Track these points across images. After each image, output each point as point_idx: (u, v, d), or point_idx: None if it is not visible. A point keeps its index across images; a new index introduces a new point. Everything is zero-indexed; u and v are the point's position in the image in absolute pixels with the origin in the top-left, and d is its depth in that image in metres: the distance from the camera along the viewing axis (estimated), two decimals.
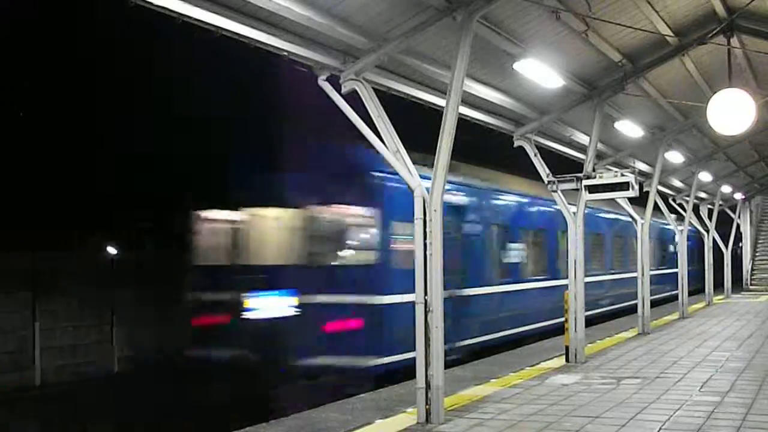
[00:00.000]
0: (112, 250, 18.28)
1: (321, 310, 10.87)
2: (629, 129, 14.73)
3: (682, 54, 11.92)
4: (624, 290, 20.80)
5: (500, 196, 15.96)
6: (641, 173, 16.97)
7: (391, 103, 9.12)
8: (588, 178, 11.78)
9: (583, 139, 14.21)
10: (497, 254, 15.32)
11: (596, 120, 12.37)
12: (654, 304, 19.22)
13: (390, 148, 8.36)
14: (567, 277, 12.34)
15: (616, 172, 11.98)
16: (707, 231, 26.30)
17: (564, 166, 13.52)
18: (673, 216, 23.13)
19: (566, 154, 15.38)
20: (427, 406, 8.08)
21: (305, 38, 8.00)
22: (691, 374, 11.08)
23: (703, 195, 26.47)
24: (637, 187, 11.44)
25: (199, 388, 10.71)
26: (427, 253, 8.07)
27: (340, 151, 11.36)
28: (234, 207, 12.09)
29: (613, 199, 14.01)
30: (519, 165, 13.85)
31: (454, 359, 11.94)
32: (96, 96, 23.52)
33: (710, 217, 26.64)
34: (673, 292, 22.92)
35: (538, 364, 12.31)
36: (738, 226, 31.68)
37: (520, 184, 16.44)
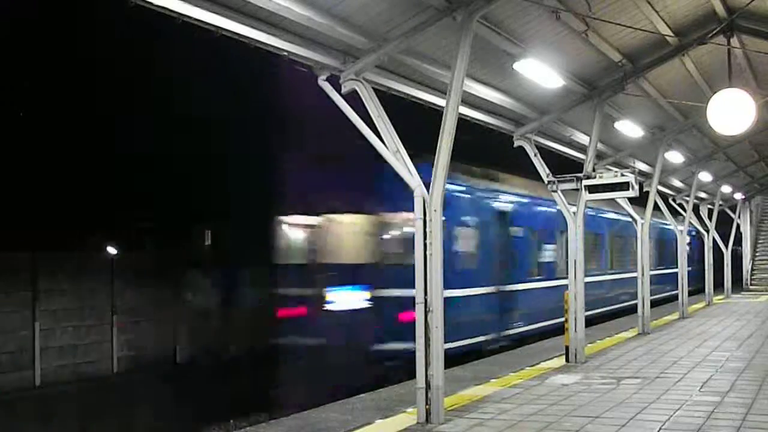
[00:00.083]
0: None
1: (393, 302, 12.38)
2: (629, 129, 14.72)
3: (682, 54, 11.92)
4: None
5: (535, 203, 17.60)
6: (641, 173, 16.96)
7: (391, 103, 9.12)
8: (588, 178, 11.78)
9: (583, 139, 14.21)
10: (535, 254, 17.25)
11: (596, 120, 12.37)
12: (656, 303, 20.49)
13: (390, 148, 8.36)
14: (596, 275, 13.19)
15: (616, 172, 11.98)
16: (707, 231, 26.31)
17: (564, 166, 13.53)
18: (681, 217, 23.10)
19: (566, 154, 15.38)
20: (427, 406, 8.08)
21: (305, 38, 8.00)
22: (691, 374, 11.08)
23: (703, 195, 26.46)
24: (637, 187, 11.44)
25: (286, 370, 12.84)
26: (427, 253, 8.07)
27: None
28: (316, 214, 13.77)
29: (620, 202, 14.66)
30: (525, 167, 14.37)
31: (501, 346, 14.38)
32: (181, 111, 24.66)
33: (710, 217, 26.64)
34: (674, 292, 22.95)
35: (538, 364, 12.31)
36: (738, 226, 31.68)
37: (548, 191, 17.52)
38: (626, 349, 14.08)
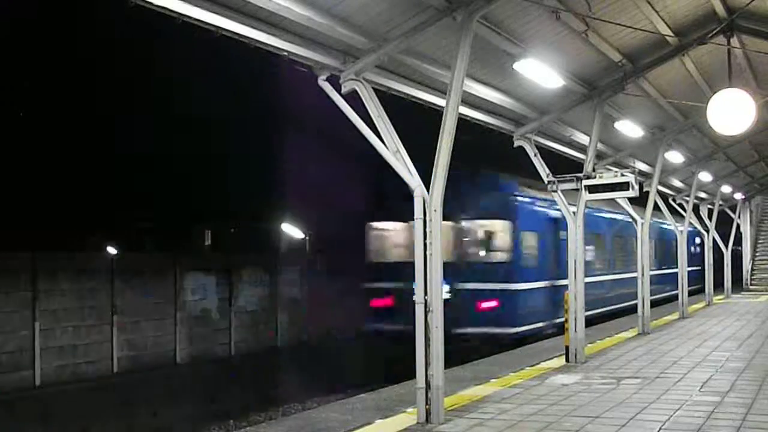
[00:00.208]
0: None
1: (472, 293, 15.04)
2: (629, 129, 14.72)
3: (682, 54, 11.92)
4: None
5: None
6: (641, 173, 16.97)
7: (391, 103, 9.12)
8: (588, 178, 11.77)
9: (583, 139, 14.21)
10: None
11: (596, 120, 12.36)
12: (660, 302, 22.01)
13: (390, 148, 8.36)
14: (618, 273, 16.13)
15: (616, 172, 11.98)
16: (707, 231, 26.30)
17: (564, 166, 13.52)
18: (681, 218, 23.22)
19: (566, 154, 15.38)
20: (427, 406, 8.08)
21: (305, 38, 8.00)
22: (691, 374, 11.08)
23: (703, 195, 26.45)
24: (637, 187, 11.44)
25: (378, 350, 15.47)
26: (427, 253, 8.07)
27: (483, 178, 15.76)
28: (404, 220, 15.54)
29: (620, 202, 15.38)
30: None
31: (553, 333, 16.38)
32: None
33: (710, 217, 26.63)
34: (674, 292, 23.01)
35: (538, 364, 12.31)
36: (738, 226, 31.66)
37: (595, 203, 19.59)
38: (626, 349, 14.07)
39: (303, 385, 18.37)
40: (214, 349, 18.26)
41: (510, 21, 9.18)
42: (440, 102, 9.69)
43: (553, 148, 14.83)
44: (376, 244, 17.21)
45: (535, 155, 12.62)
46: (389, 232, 17.19)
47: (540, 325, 16.55)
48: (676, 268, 21.97)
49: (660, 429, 7.77)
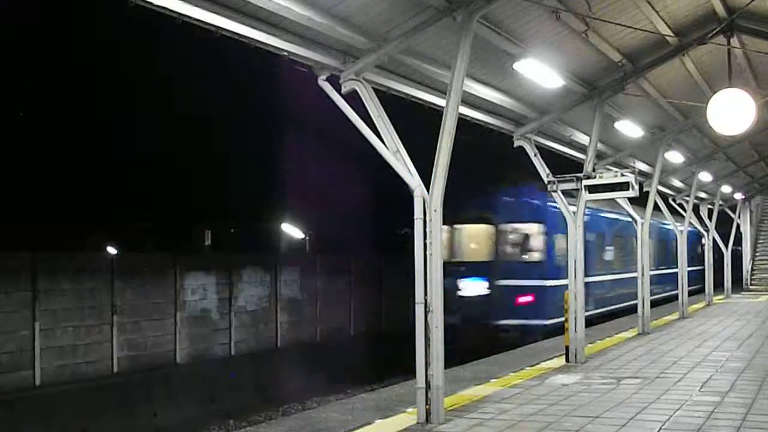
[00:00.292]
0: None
1: (511, 289, 17.12)
2: (629, 129, 14.72)
3: (682, 54, 11.92)
4: (659, 284, 25.01)
5: (599, 214, 21.20)
6: (641, 173, 16.97)
7: (391, 103, 9.12)
8: (588, 178, 11.77)
9: (583, 139, 14.21)
10: (600, 254, 21.52)
11: (596, 120, 12.36)
12: (662, 301, 23.29)
13: (390, 148, 8.36)
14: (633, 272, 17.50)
15: (616, 172, 11.98)
16: (707, 231, 26.29)
17: (563, 166, 13.52)
18: (681, 218, 23.44)
19: (566, 154, 15.38)
20: (427, 406, 8.08)
21: (305, 38, 8.00)
22: (691, 374, 11.08)
23: (703, 195, 26.44)
24: (637, 187, 11.44)
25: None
26: (427, 253, 8.07)
27: (520, 188, 17.51)
28: (449, 223, 17.58)
29: (620, 202, 15.84)
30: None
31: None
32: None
33: (710, 217, 26.62)
34: (674, 292, 23.08)
35: (538, 364, 12.31)
36: (738, 226, 31.66)
37: (609, 205, 20.81)
38: (626, 349, 14.08)
39: (303, 386, 18.64)
40: (214, 349, 18.36)
41: (510, 21, 9.17)
42: (440, 102, 9.69)
43: (553, 148, 14.83)
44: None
45: (535, 155, 12.62)
46: (445, 235, 18.64)
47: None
48: (677, 268, 21.99)
49: (660, 429, 7.77)
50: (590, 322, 18.08)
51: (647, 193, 16.65)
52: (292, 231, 31.32)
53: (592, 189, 11.71)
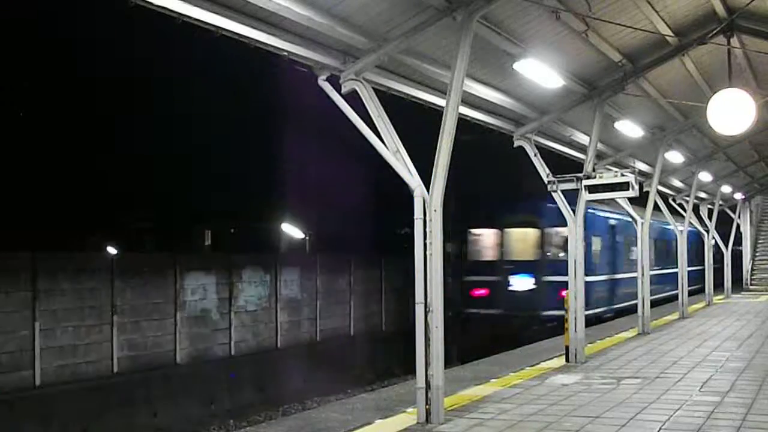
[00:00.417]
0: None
1: (554, 285, 18.52)
2: (629, 129, 14.72)
3: (682, 54, 11.91)
4: (667, 283, 26.65)
5: (625, 218, 22.40)
6: (641, 173, 16.97)
7: (391, 103, 9.12)
8: (588, 178, 11.77)
9: (583, 139, 14.21)
10: (626, 253, 23.59)
11: (596, 120, 12.36)
12: (664, 301, 24.62)
13: (390, 148, 8.36)
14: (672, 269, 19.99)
15: (616, 172, 11.98)
16: (707, 231, 26.29)
17: (563, 167, 13.52)
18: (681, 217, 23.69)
19: (566, 154, 15.38)
20: (427, 406, 8.08)
21: (305, 38, 8.00)
22: (691, 374, 11.08)
23: (703, 195, 26.45)
24: (637, 187, 11.44)
25: (476, 331, 20.23)
26: (427, 253, 8.07)
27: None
28: (500, 227, 21.26)
29: (621, 202, 16.21)
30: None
31: (610, 317, 20.95)
32: None
33: (710, 217, 26.62)
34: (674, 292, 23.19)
35: (538, 364, 12.31)
36: (738, 226, 31.66)
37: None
38: (626, 349, 14.08)
39: (303, 386, 18.67)
40: (213, 349, 18.37)
41: (510, 21, 9.17)
42: (440, 102, 9.68)
43: (553, 148, 14.83)
44: (473, 246, 21.95)
45: (535, 155, 12.62)
46: (483, 237, 21.86)
47: (603, 309, 21.14)
48: (677, 267, 22.03)
49: (660, 429, 7.77)
50: (621, 312, 21.69)
51: (647, 193, 16.65)
52: (292, 231, 31.31)
53: (592, 189, 11.71)
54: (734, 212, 30.66)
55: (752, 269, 33.24)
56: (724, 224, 29.98)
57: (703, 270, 26.15)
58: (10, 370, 14.15)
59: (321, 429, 8.15)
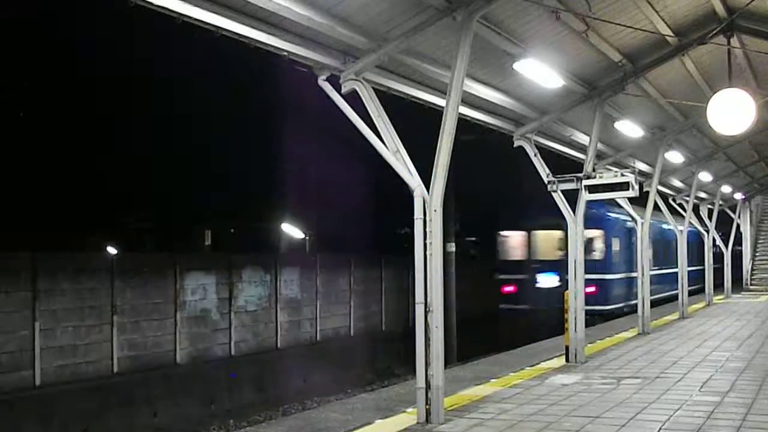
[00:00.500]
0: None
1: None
2: (629, 129, 14.72)
3: (682, 54, 11.91)
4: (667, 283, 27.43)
5: (662, 225, 24.83)
6: (641, 173, 16.97)
7: (391, 103, 9.12)
8: (588, 178, 11.77)
9: (583, 139, 14.21)
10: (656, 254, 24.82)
11: (596, 120, 12.36)
12: (664, 301, 24.77)
13: (390, 148, 8.36)
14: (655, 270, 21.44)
15: (616, 172, 11.98)
16: (707, 231, 26.29)
17: (563, 167, 13.53)
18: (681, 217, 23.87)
19: (566, 154, 15.38)
20: (427, 406, 8.08)
21: (305, 38, 8.00)
22: (691, 374, 11.08)
23: (703, 195, 26.45)
24: (637, 187, 11.44)
25: (506, 324, 22.15)
26: (427, 253, 8.07)
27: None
28: (528, 229, 23.20)
29: (621, 202, 16.22)
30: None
31: (629, 311, 21.18)
32: None
33: (710, 217, 26.62)
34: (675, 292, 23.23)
35: (538, 364, 12.31)
36: (738, 226, 31.66)
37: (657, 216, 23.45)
38: (626, 349, 14.08)
39: (303, 385, 18.69)
40: (213, 349, 18.39)
41: (510, 21, 9.17)
42: (440, 102, 9.69)
43: (553, 148, 14.83)
44: (503, 247, 23.78)
45: (535, 155, 12.62)
46: (513, 239, 23.65)
47: (621, 304, 22.22)
48: (677, 267, 22.04)
49: (660, 429, 7.77)
50: (656, 303, 22.35)
51: (647, 193, 16.65)
52: (292, 231, 31.32)
53: (592, 189, 11.71)
54: (734, 212, 30.66)
55: (752, 269, 33.22)
56: (724, 224, 29.98)
57: (703, 270, 26.15)
58: (10, 370, 14.15)
59: (321, 429, 8.15)
